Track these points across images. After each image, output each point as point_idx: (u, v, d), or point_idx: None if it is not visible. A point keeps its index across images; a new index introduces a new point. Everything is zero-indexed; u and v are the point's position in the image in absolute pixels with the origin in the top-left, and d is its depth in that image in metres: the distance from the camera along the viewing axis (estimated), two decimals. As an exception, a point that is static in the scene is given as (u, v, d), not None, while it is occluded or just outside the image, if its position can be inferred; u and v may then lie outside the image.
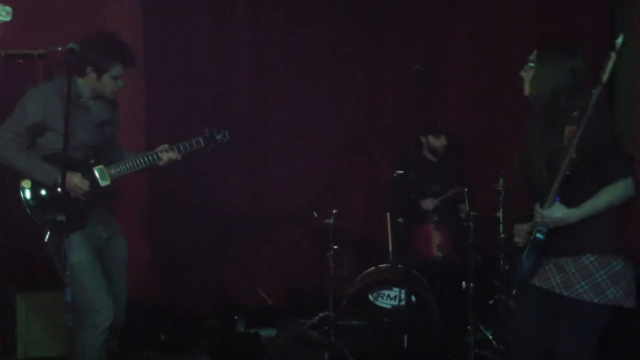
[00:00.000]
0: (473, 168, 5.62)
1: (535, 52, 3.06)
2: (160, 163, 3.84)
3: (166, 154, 3.84)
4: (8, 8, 3.82)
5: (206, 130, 4.03)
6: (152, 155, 3.82)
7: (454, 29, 5.69)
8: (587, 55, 3.00)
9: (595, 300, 2.82)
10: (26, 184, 3.53)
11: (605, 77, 2.70)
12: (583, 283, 2.84)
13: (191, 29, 5.61)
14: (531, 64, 3.04)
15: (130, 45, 3.71)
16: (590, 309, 2.84)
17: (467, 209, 4.57)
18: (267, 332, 5.22)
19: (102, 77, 3.58)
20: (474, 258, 4.39)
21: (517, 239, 3.11)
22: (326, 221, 4.67)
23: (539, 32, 5.44)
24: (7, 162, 3.53)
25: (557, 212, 2.82)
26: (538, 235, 2.89)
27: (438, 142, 5.26)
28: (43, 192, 3.54)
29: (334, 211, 4.69)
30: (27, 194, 3.53)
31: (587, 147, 2.75)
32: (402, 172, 4.66)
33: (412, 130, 5.23)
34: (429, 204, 5.03)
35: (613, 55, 2.65)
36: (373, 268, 4.75)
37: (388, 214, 5.18)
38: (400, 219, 3.28)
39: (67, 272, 3.02)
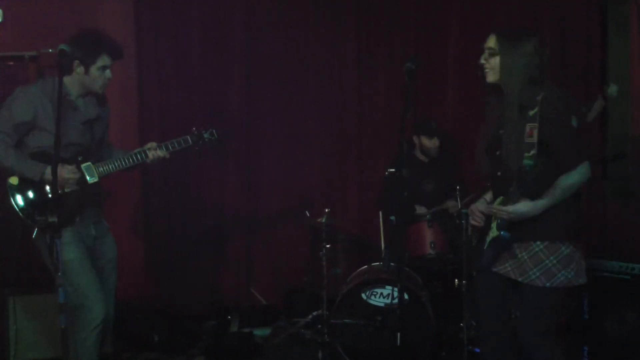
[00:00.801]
0: (465, 165, 5.62)
1: (494, 40, 3.12)
2: (148, 161, 3.83)
3: (153, 152, 3.83)
4: (-1, 10, 3.81)
5: (194, 129, 4.04)
6: (139, 154, 3.82)
7: (447, 27, 5.69)
8: (544, 40, 3.14)
9: (548, 285, 3.01)
10: (14, 180, 3.53)
11: (591, 117, 2.81)
12: (535, 270, 3.03)
13: (184, 28, 5.61)
14: (491, 52, 3.12)
15: (117, 40, 3.71)
16: (543, 293, 3.03)
17: (460, 206, 4.58)
18: (261, 332, 5.22)
19: (89, 70, 3.58)
20: (466, 255, 4.40)
21: (472, 221, 3.28)
22: (319, 220, 4.68)
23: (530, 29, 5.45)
24: None
25: (522, 207, 2.98)
26: (503, 234, 3.03)
27: (431, 143, 5.22)
28: (31, 190, 3.54)
29: (327, 210, 4.71)
30: (15, 192, 3.53)
31: (547, 140, 2.89)
32: (393, 170, 4.67)
33: (405, 129, 5.23)
34: (420, 211, 5.04)
35: (602, 102, 2.74)
36: (366, 267, 4.75)
37: (380, 212, 5.20)
38: (392, 218, 3.27)
39: (60, 273, 3.01)
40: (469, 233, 4.27)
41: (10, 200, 3.53)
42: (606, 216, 5.34)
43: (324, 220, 4.66)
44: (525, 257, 3.06)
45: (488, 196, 3.31)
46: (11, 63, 4.78)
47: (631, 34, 5.19)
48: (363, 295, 4.43)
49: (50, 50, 4.43)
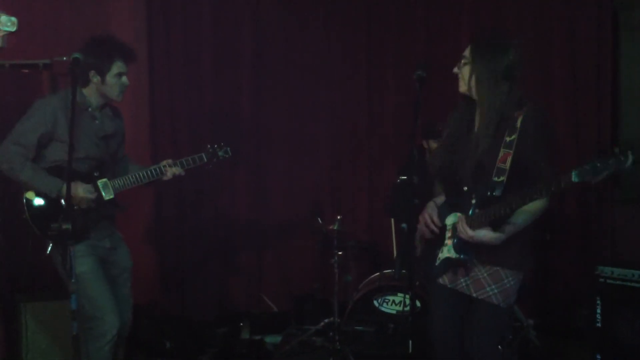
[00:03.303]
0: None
1: (469, 48, 3.02)
2: (164, 178, 3.85)
3: (170, 169, 3.84)
4: (13, 18, 3.82)
5: (209, 146, 4.05)
6: (155, 170, 3.84)
7: (456, 31, 5.68)
8: (521, 49, 2.96)
9: (502, 305, 2.95)
10: (30, 195, 3.53)
11: (598, 179, 2.61)
12: (494, 287, 2.96)
13: (194, 35, 5.64)
14: (465, 61, 3.01)
15: (128, 44, 3.71)
16: (497, 311, 2.97)
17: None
18: (272, 339, 5.23)
19: (106, 78, 3.58)
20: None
21: (424, 229, 3.17)
22: (330, 227, 4.68)
23: (541, 34, 5.44)
24: (11, 174, 3.53)
25: (484, 236, 2.86)
26: (463, 257, 2.96)
27: (439, 146, 5.20)
28: (47, 204, 3.55)
29: (338, 217, 4.71)
30: (31, 206, 3.54)
31: (520, 166, 2.81)
32: (405, 177, 4.67)
33: (415, 136, 5.22)
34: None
35: (612, 166, 2.55)
36: (377, 274, 4.75)
37: (392, 219, 5.19)
38: (404, 225, 3.26)
39: (73, 280, 3.02)
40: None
41: (25, 213, 3.54)
42: (617, 223, 5.32)
43: (335, 227, 4.66)
44: (485, 274, 2.98)
45: (438, 200, 3.22)
46: (25, 71, 4.80)
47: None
48: (375, 303, 4.43)
49: (64, 58, 4.45)
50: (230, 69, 5.73)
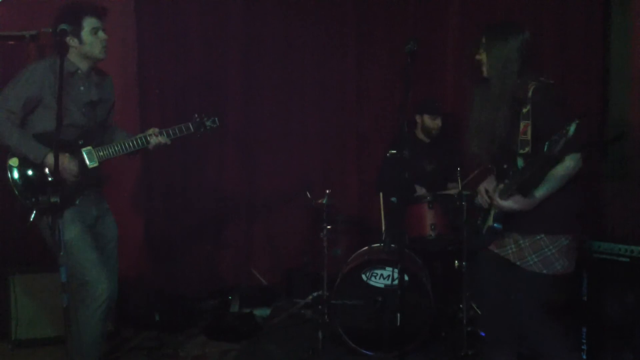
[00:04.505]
0: (466, 146, 5.60)
1: (483, 35, 3.25)
2: (149, 147, 3.82)
3: (155, 138, 3.82)
4: (-1, -10, 3.79)
5: (196, 115, 4.01)
6: (140, 139, 3.81)
7: (446, 6, 5.66)
8: (532, 34, 3.21)
9: (545, 272, 3.14)
10: (14, 162, 3.53)
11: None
12: (534, 256, 3.16)
13: (182, 6, 5.58)
14: (482, 47, 3.25)
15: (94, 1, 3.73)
16: (539, 278, 3.15)
17: (460, 187, 4.58)
18: (261, 312, 5.26)
19: (82, 37, 3.59)
20: (466, 237, 4.42)
21: (478, 199, 3.40)
22: (319, 201, 4.69)
23: (531, 13, 5.41)
24: None
25: (513, 204, 3.12)
26: (497, 226, 3.22)
27: (433, 123, 5.18)
28: (31, 172, 3.54)
29: (327, 191, 4.71)
30: (15, 174, 3.53)
31: (539, 133, 2.98)
32: (394, 151, 4.66)
33: (406, 109, 5.21)
34: (420, 192, 5.04)
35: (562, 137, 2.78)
36: (366, 248, 4.77)
37: (381, 193, 5.20)
38: (393, 199, 3.28)
39: (62, 253, 3.02)
40: (466, 215, 4.31)
41: (9, 181, 3.52)
42: (604, 198, 5.35)
43: (324, 202, 4.66)
44: (527, 243, 3.17)
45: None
46: (12, 42, 4.76)
47: (633, 25, 5.15)
48: (363, 276, 4.44)
49: (50, 30, 4.41)
50: (219, 41, 5.70)
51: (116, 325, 4.75)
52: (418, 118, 5.25)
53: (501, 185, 3.19)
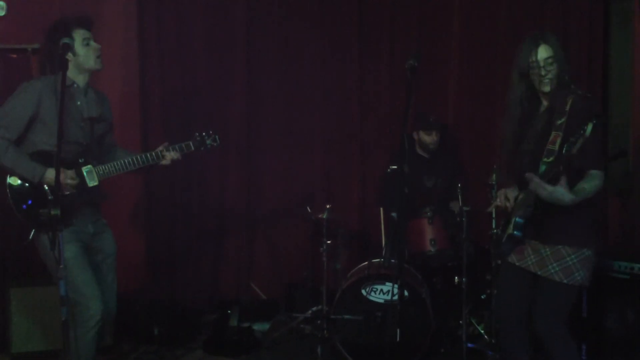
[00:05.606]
0: (466, 162, 5.63)
1: (548, 48, 3.18)
2: (164, 162, 3.86)
3: (168, 154, 3.86)
4: (2, 3, 3.82)
5: (197, 134, 4.05)
6: (156, 154, 3.85)
7: (448, 21, 5.68)
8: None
9: (565, 281, 3.15)
10: (14, 180, 3.53)
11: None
12: (555, 264, 3.17)
13: (186, 24, 5.60)
14: (549, 60, 3.17)
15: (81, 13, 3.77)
16: (559, 288, 3.17)
17: (461, 204, 4.58)
18: (260, 326, 5.25)
19: (75, 50, 3.61)
20: (467, 253, 4.42)
21: (499, 202, 3.39)
22: (320, 216, 4.69)
23: (532, 24, 5.43)
24: None
25: (559, 193, 2.99)
26: (517, 233, 3.20)
27: (429, 138, 5.19)
28: (30, 189, 3.53)
29: (328, 206, 4.72)
30: (15, 191, 3.52)
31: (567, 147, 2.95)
32: (395, 167, 4.67)
33: (407, 125, 5.22)
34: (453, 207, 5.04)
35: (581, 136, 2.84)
36: (366, 262, 4.76)
37: (382, 208, 5.20)
38: (393, 214, 3.28)
39: (61, 266, 3.02)
40: (466, 232, 4.31)
41: (9, 200, 3.52)
42: (606, 214, 5.35)
43: (325, 216, 4.67)
44: (548, 252, 3.19)
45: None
46: (14, 55, 4.77)
47: (634, 29, 5.17)
48: (363, 291, 4.44)
49: (40, 46, 4.46)
50: (223, 54, 5.70)
51: (116, 338, 4.73)
52: (415, 135, 5.26)
53: (522, 194, 3.21)
